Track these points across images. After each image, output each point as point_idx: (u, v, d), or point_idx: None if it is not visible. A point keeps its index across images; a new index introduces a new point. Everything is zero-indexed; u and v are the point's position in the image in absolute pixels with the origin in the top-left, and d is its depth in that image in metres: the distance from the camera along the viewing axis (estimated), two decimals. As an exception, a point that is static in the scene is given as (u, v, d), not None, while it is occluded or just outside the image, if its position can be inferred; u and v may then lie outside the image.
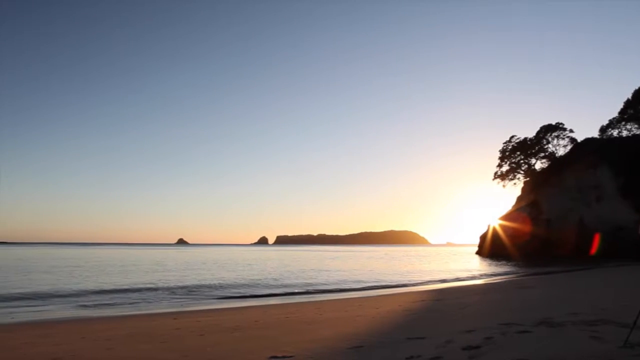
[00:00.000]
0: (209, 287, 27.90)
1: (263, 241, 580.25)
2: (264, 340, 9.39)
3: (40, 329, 13.17)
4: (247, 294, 24.65)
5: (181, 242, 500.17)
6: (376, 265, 57.40)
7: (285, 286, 28.80)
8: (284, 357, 7.46)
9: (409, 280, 33.50)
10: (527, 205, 75.28)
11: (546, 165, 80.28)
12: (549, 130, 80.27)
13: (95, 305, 19.99)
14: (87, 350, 9.27)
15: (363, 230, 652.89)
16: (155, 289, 25.92)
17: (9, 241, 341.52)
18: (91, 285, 28.08)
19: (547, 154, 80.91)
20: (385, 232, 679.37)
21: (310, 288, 27.80)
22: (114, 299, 22.12)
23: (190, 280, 32.42)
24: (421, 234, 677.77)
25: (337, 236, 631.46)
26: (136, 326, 13.13)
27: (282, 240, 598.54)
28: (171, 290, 25.44)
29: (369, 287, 29.07)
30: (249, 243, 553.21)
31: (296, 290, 26.51)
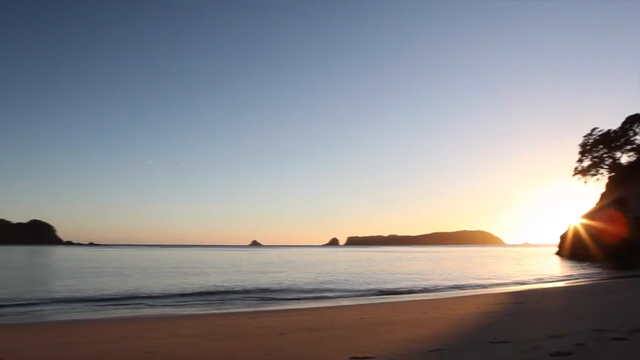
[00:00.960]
0: (283, 287, 28.56)
1: (334, 242, 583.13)
2: (343, 341, 9.49)
3: (133, 325, 14.14)
4: (321, 295, 24.96)
5: (255, 243, 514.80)
6: (450, 266, 56.03)
7: (357, 287, 28.89)
8: (365, 357, 7.50)
9: (485, 282, 32.42)
10: (612, 203, 70.06)
11: (634, 158, 74.40)
12: (635, 120, 74.38)
13: (179, 305, 21.10)
14: (176, 345, 9.80)
15: (435, 231, 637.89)
16: (233, 290, 26.90)
17: (98, 243, 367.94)
18: (174, 285, 29.65)
19: (634, 146, 75.01)
20: (458, 232, 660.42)
21: (382, 289, 27.69)
22: (196, 299, 23.26)
23: (265, 281, 33.36)
24: (495, 234, 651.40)
25: (408, 237, 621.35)
26: (218, 324, 13.71)
27: (352, 242, 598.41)
28: (247, 291, 26.32)
29: (443, 288, 28.46)
30: (320, 244, 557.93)
31: (369, 292, 26.50)
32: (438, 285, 29.91)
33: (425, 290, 27.37)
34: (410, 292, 26.38)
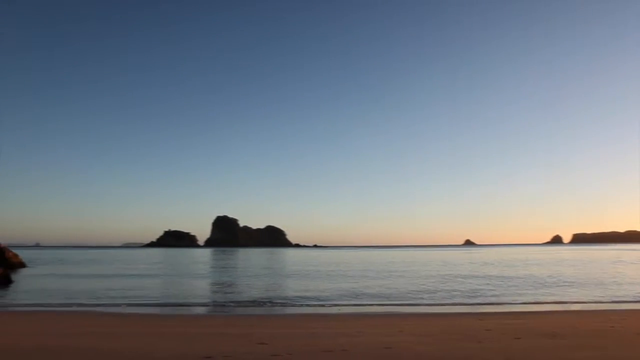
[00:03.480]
0: (495, 288, 27.03)
1: (556, 240, 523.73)
2: (595, 351, 8.52)
3: (367, 321, 15.09)
4: (553, 300, 22.75)
5: (468, 243, 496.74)
6: None
7: (592, 292, 25.44)
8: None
9: None
10: None
11: None
12: None
13: (402, 304, 21.67)
14: (409, 343, 10.05)
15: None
16: (451, 290, 26.56)
17: (321, 245, 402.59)
18: (397, 284, 30.61)
19: None
20: None
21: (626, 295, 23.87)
22: (419, 298, 23.57)
23: (478, 280, 32.02)
24: None
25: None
26: (446, 324, 13.64)
27: (579, 239, 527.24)
28: (460, 292, 25.68)
29: None
30: (540, 243, 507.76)
31: (599, 296, 23.21)
32: None
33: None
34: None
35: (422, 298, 23.44)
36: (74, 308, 19.38)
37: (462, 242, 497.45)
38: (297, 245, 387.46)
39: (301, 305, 20.34)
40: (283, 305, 20.82)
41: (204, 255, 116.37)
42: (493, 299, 22.61)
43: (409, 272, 42.67)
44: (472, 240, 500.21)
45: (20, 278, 36.50)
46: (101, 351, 9.23)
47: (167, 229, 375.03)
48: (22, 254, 53.92)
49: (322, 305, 20.53)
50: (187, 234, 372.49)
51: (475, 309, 19.30)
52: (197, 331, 12.43)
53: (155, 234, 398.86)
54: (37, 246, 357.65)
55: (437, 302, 21.76)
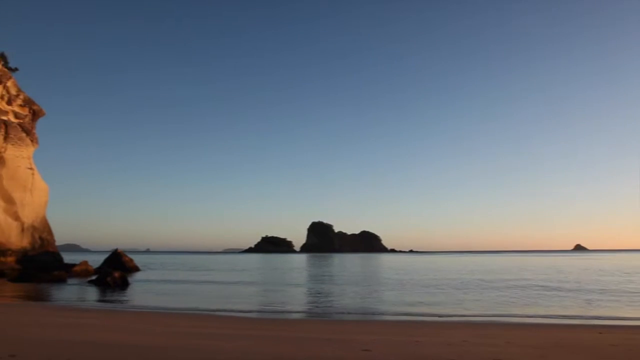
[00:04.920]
0: (615, 299, 24.67)
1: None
2: None
3: (471, 330, 14.53)
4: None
5: (579, 248, 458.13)
6: None
7: None
8: None
9: None
10: None
11: None
12: None
13: (506, 314, 20.56)
14: (517, 355, 9.53)
15: None
16: (562, 298, 24.76)
17: (417, 250, 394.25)
18: (505, 293, 29.13)
19: None
20: None
21: None
22: (524, 305, 22.23)
23: (593, 290, 29.40)
24: None
25: None
26: (560, 337, 12.76)
27: None
28: (573, 300, 23.79)
29: None
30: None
31: None
32: None
33: None
34: None
35: (527, 305, 22.14)
36: (183, 310, 20.79)
37: (571, 247, 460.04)
38: (393, 251, 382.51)
39: (402, 314, 20.05)
40: (383, 313, 20.68)
41: (301, 260, 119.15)
42: (611, 312, 20.67)
43: (516, 281, 40.46)
44: (583, 245, 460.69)
45: (136, 280, 39.94)
46: (206, 351, 9.75)
47: (264, 235, 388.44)
48: (136, 259, 58.93)
49: (422, 314, 20.12)
50: (284, 239, 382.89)
51: (592, 321, 17.81)
52: (301, 335, 12.75)
53: (254, 240, 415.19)
54: (148, 251, 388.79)
55: (549, 313, 20.32)
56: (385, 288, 32.29)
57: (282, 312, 20.91)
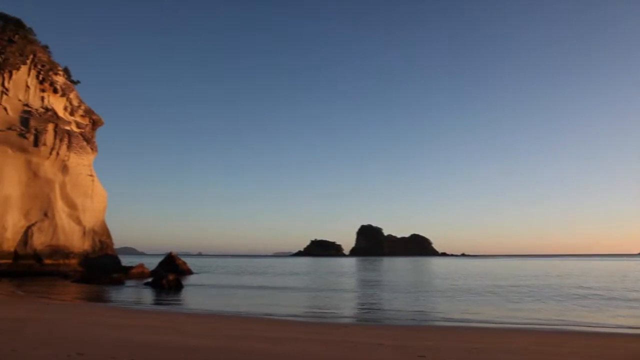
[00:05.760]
0: None
1: None
2: None
3: (534, 337, 13.84)
4: None
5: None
6: None
7: None
8: None
9: None
10: None
11: None
12: None
13: (572, 324, 19.52)
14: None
15: None
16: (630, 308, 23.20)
17: (469, 254, 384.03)
18: (570, 302, 27.79)
19: None
20: None
21: None
22: (592, 316, 21.03)
23: None
24: None
25: None
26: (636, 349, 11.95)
27: None
28: None
29: None
30: None
31: None
32: None
33: None
34: None
35: (593, 313, 20.90)
36: (236, 313, 21.01)
37: (638, 251, 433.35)
38: (444, 254, 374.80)
39: (457, 320, 19.37)
40: (437, 319, 20.05)
41: (350, 264, 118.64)
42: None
43: (577, 287, 38.56)
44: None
45: (189, 283, 40.92)
46: (260, 354, 9.78)
47: (313, 239, 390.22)
48: (188, 262, 60.49)
49: (479, 321, 19.40)
50: (333, 243, 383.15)
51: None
52: (353, 340, 12.59)
53: (303, 243, 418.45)
54: (200, 255, 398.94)
55: (620, 323, 18.92)
56: (439, 294, 31.38)
57: (334, 316, 20.74)
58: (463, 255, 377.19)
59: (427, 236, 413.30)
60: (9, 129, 47.18)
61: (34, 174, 48.38)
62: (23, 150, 47.68)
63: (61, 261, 48.04)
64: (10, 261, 44.88)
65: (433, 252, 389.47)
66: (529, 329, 16.60)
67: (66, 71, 55.79)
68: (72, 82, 56.60)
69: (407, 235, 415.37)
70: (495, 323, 18.40)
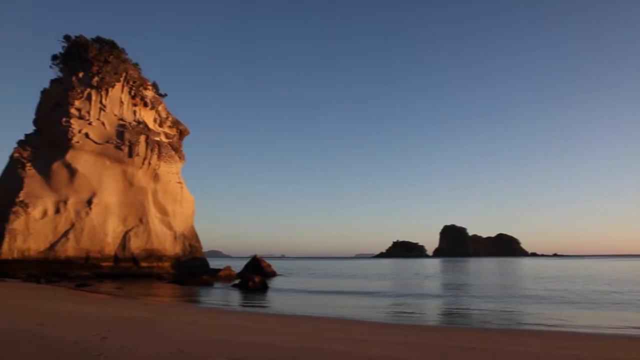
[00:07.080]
0: None
1: None
2: None
3: (627, 343, 12.41)
4: None
5: None
6: None
7: None
8: None
9: None
10: None
11: None
12: None
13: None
14: None
15: None
16: None
17: (562, 254, 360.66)
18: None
19: None
20: None
21: None
22: None
23: None
24: None
25: None
26: None
27: None
28: None
29: None
30: None
31: None
32: None
33: None
34: None
35: None
36: (324, 315, 20.90)
37: None
38: (534, 255, 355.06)
39: (552, 325, 17.88)
40: (531, 322, 18.64)
41: (434, 265, 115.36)
42: None
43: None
44: None
45: (274, 285, 41.65)
46: (358, 356, 9.64)
47: (395, 240, 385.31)
48: (272, 264, 61.75)
49: (577, 326, 17.89)
50: (416, 244, 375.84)
51: None
52: (445, 343, 12.26)
53: (385, 244, 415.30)
54: (283, 257, 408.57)
55: None
56: (532, 298, 29.32)
57: (424, 320, 20.01)
58: (555, 255, 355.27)
59: (515, 235, 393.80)
60: (107, 142, 51.03)
61: (129, 183, 51.85)
62: (119, 161, 51.31)
63: (155, 264, 50.95)
64: (111, 264, 48.30)
65: (522, 253, 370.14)
66: (632, 335, 14.94)
67: (154, 86, 59.42)
68: (160, 95, 60.13)
69: (492, 234, 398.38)
70: (595, 328, 16.78)
